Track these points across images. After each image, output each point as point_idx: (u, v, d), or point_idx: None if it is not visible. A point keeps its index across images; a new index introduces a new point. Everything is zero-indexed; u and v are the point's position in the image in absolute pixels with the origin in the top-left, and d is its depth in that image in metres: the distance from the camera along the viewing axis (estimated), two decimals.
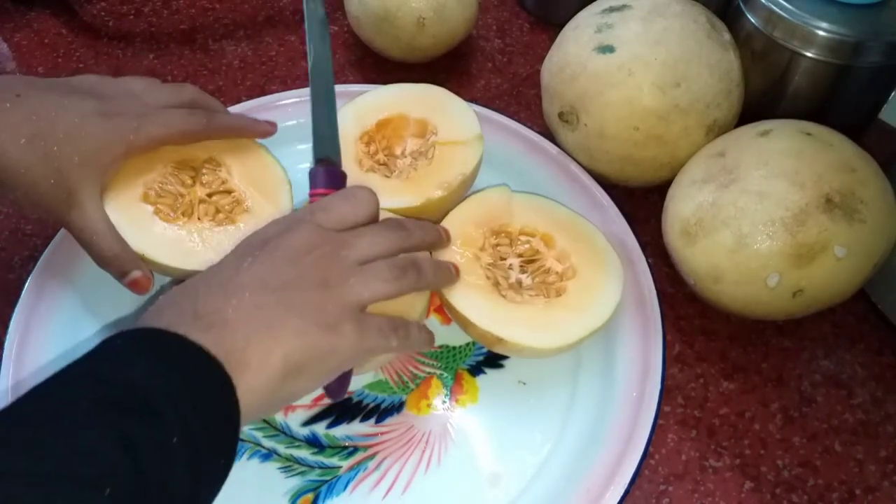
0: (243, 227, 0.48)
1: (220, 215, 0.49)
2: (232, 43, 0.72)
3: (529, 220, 0.51)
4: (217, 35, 0.72)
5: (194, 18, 0.74)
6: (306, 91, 0.53)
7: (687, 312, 0.53)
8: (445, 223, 0.49)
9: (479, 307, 0.46)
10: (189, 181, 0.49)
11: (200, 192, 0.49)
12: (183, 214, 0.48)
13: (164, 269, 0.46)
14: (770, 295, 0.46)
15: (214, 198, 0.49)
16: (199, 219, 0.48)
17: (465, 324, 0.47)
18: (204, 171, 0.50)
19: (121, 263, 0.44)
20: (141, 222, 0.46)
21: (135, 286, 0.45)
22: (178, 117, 0.47)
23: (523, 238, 0.51)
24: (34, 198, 0.43)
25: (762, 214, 0.45)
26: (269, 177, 0.51)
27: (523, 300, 0.47)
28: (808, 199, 0.45)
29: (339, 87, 0.61)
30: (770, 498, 0.46)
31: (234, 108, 0.60)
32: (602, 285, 0.48)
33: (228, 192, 0.50)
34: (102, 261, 0.44)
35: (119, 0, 0.75)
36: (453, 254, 0.48)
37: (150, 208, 0.47)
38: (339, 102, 0.56)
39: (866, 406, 0.49)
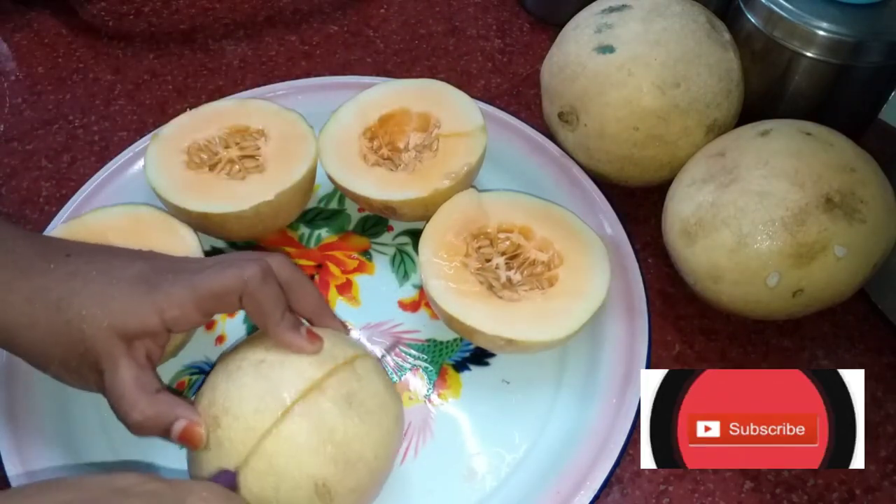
0: (249, 183, 0.52)
1: (236, 167, 0.53)
2: (232, 43, 0.72)
3: (504, 216, 0.51)
4: (217, 35, 0.72)
5: (194, 18, 0.74)
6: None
7: (687, 312, 0.53)
8: (424, 237, 0.49)
9: (481, 314, 0.46)
10: (232, 144, 0.54)
11: (233, 153, 0.54)
12: (209, 169, 0.53)
13: (165, 202, 0.51)
14: (770, 294, 0.46)
15: (243, 160, 0.54)
16: (217, 172, 0.53)
17: (471, 333, 0.46)
18: (248, 137, 0.55)
19: (158, 422, 0.38)
20: (169, 167, 0.52)
21: (185, 439, 0.38)
22: (212, 277, 0.40)
23: (502, 235, 0.51)
24: (69, 371, 0.39)
25: (762, 214, 0.45)
26: (299, 153, 0.53)
27: (520, 297, 0.48)
28: (808, 199, 0.45)
29: (343, 79, 0.63)
30: (770, 498, 0.46)
31: (235, 98, 0.60)
32: (591, 266, 0.48)
33: (255, 157, 0.54)
34: (135, 426, 0.38)
35: (119, 0, 0.75)
36: (441, 267, 0.48)
37: (184, 157, 0.53)
38: (342, 96, 0.57)
39: (866, 406, 0.49)
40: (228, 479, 0.37)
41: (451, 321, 0.47)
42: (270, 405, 0.38)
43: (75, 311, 0.38)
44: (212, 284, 0.39)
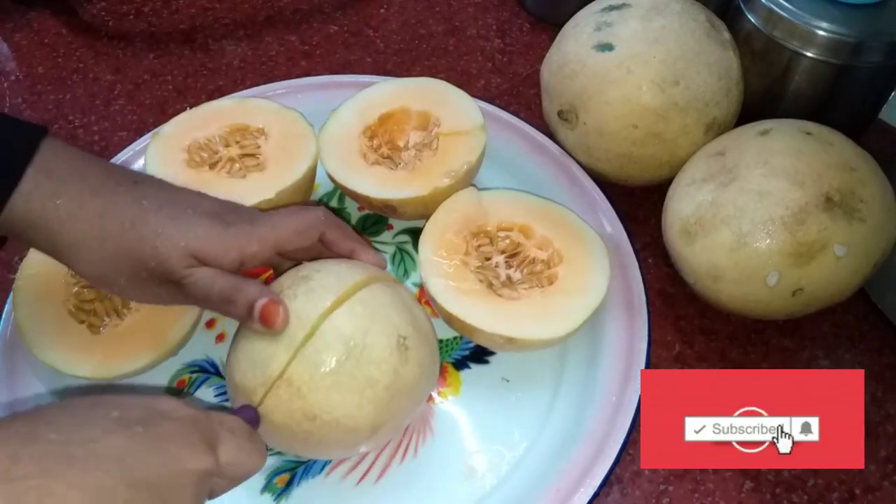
0: (250, 181, 0.52)
1: (236, 166, 0.53)
2: (232, 43, 0.72)
3: (504, 214, 0.51)
4: (217, 35, 0.72)
5: (194, 18, 0.74)
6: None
7: (687, 312, 0.53)
8: (424, 236, 0.49)
9: (481, 312, 0.46)
10: (233, 143, 0.54)
11: (233, 151, 0.54)
12: (210, 167, 0.53)
13: None
14: (770, 294, 0.46)
15: (243, 159, 0.54)
16: (218, 171, 0.53)
17: (471, 332, 0.46)
18: (248, 136, 0.55)
19: (246, 296, 0.40)
20: (170, 166, 0.52)
21: (264, 316, 0.40)
22: (295, 215, 0.45)
23: (502, 234, 0.51)
24: (138, 283, 0.41)
25: (762, 213, 0.45)
26: (299, 151, 0.53)
27: (520, 295, 0.48)
28: (808, 198, 0.45)
29: (343, 78, 0.63)
30: (770, 498, 0.46)
31: (235, 97, 0.60)
32: (590, 264, 0.48)
33: (255, 155, 0.54)
34: (225, 300, 0.40)
35: (119, 0, 0.75)
36: (441, 265, 0.48)
37: (185, 156, 0.53)
38: (342, 95, 0.57)
39: (866, 406, 0.49)
40: (249, 414, 0.38)
41: (450, 319, 0.47)
42: (360, 270, 0.43)
43: (150, 229, 0.40)
44: (294, 223, 0.44)
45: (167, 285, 0.41)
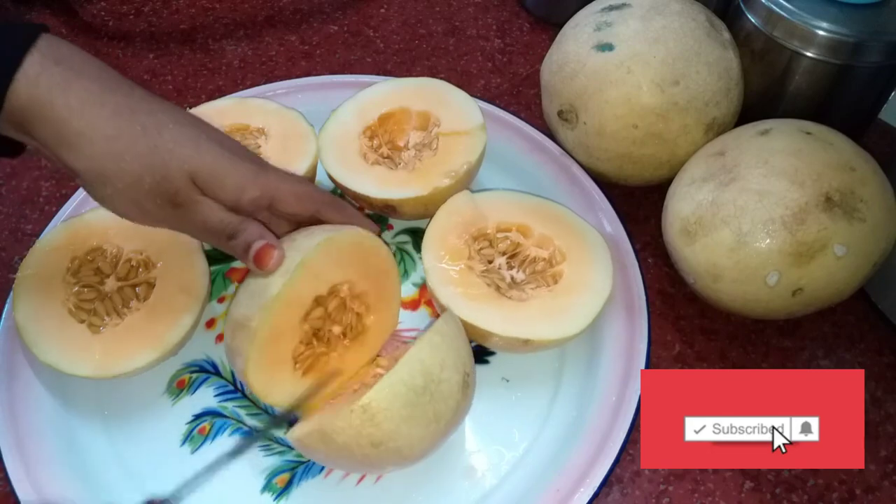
0: None
1: None
2: (232, 43, 0.72)
3: (501, 215, 0.51)
4: (217, 35, 0.72)
5: (194, 18, 0.74)
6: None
7: (687, 312, 0.53)
8: (426, 242, 0.49)
9: (494, 317, 0.46)
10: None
11: None
12: None
13: None
14: (770, 293, 0.46)
15: None
16: None
17: (485, 337, 0.46)
18: (249, 136, 0.56)
19: (247, 234, 0.42)
20: None
21: (259, 258, 0.41)
22: (299, 182, 0.46)
23: (501, 235, 0.51)
24: (135, 194, 0.40)
25: (762, 213, 0.45)
26: (299, 151, 0.54)
27: (528, 296, 0.48)
28: (808, 198, 0.45)
29: (343, 78, 0.64)
30: (770, 498, 0.45)
31: (235, 97, 0.61)
32: (593, 260, 0.48)
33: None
34: (231, 234, 0.42)
35: (119, 0, 0.75)
36: (447, 271, 0.48)
37: None
38: (342, 95, 0.57)
39: (866, 406, 0.49)
40: None
41: (464, 327, 0.46)
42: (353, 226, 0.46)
43: (164, 142, 0.40)
44: (297, 188, 0.45)
45: (163, 205, 0.41)
